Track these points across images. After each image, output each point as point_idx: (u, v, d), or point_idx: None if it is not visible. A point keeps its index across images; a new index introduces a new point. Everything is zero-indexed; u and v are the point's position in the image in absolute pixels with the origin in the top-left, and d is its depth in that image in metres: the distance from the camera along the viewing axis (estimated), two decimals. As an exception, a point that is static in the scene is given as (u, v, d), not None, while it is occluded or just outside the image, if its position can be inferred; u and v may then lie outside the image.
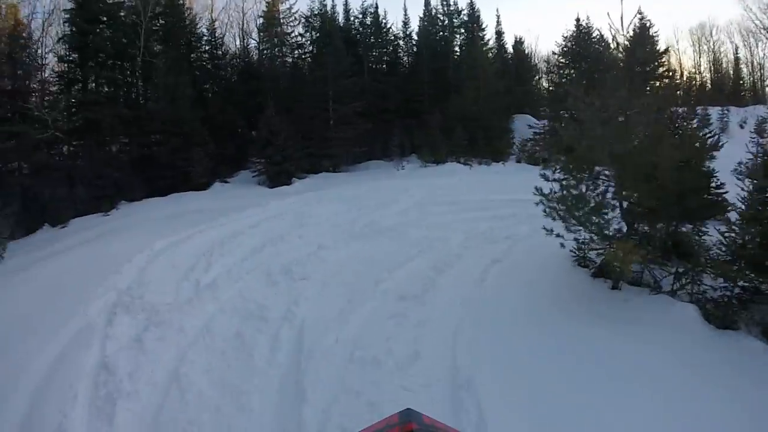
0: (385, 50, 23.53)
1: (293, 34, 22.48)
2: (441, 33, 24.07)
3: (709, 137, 7.59)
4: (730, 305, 5.55)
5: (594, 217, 6.26)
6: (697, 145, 7.03)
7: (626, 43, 8.31)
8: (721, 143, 7.30)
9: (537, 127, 21.45)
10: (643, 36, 19.90)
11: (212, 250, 8.89)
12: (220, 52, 22.06)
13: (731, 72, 33.42)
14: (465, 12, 24.00)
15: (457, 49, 24.00)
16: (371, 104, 19.76)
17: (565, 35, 22.07)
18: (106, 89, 17.17)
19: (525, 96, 24.82)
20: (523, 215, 9.39)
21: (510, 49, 26.50)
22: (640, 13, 19.64)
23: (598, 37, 21.61)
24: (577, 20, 21.81)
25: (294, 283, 7.44)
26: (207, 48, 21.59)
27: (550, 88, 24.19)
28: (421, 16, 24.28)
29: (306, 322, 6.17)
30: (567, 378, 4.65)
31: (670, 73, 20.59)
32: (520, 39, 27.99)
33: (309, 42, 22.41)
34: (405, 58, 24.24)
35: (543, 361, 4.98)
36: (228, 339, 5.85)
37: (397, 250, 8.61)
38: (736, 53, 33.14)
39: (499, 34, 25.28)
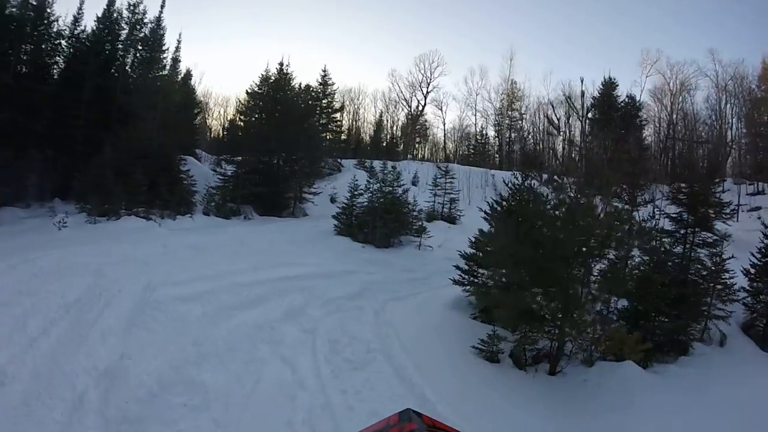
0: (43, 47, 16.19)
1: None
2: (118, 44, 18.00)
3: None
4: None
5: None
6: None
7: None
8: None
9: (218, 173, 17.88)
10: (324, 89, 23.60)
11: None
12: None
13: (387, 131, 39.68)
14: (150, 25, 18.35)
15: (129, 68, 18.39)
16: (12, 122, 12.88)
17: (264, 75, 19.72)
18: None
19: (189, 135, 21.54)
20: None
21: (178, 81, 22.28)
22: (324, 71, 22.51)
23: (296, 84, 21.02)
24: (281, 64, 19.88)
25: None
26: None
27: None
28: (99, 16, 17.66)
29: None
30: None
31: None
32: (189, 71, 24.64)
33: None
34: (66, 65, 17.05)
35: None
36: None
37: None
38: (381, 116, 39.56)
39: (175, 61, 20.40)
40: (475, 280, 8.91)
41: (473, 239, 9.01)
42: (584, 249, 6.44)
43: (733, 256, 8.61)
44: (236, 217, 16.15)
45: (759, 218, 17.52)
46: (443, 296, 9.67)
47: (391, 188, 14.90)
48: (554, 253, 6.09)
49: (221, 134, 31.45)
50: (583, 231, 6.26)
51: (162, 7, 18.18)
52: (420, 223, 15.05)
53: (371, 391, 5.39)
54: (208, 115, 34.78)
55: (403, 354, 6.59)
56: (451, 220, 20.21)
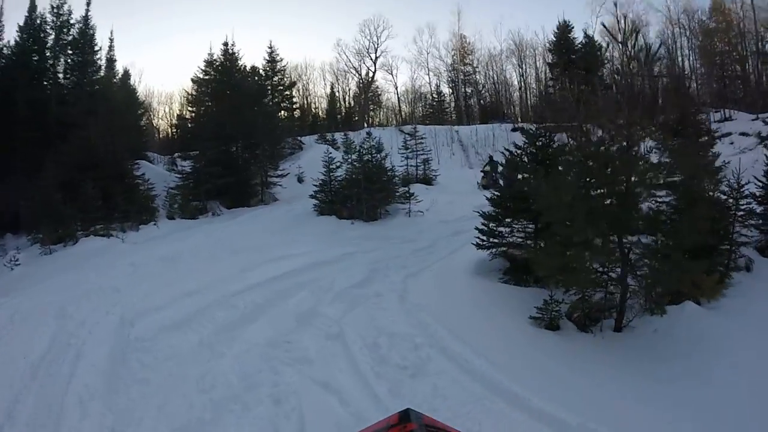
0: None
1: None
2: (45, 52, 15.91)
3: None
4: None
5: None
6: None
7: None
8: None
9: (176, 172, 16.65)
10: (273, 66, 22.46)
11: None
12: None
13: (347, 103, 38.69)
14: (78, 26, 16.20)
15: (61, 75, 16.19)
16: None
17: (209, 59, 17.80)
18: None
19: (137, 137, 19.82)
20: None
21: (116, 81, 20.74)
22: (270, 47, 21.11)
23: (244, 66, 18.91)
24: (225, 44, 17.91)
25: None
26: None
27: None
28: (22, 25, 15.58)
29: None
30: None
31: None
32: (126, 71, 22.48)
33: None
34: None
35: None
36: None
37: None
38: (332, 88, 38.08)
39: (110, 61, 18.46)
40: (502, 241, 7.94)
41: (491, 196, 7.96)
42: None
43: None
44: (203, 215, 14.40)
45: (732, 144, 17.69)
46: (459, 263, 8.69)
47: (370, 156, 13.50)
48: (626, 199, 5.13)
49: (170, 132, 29.05)
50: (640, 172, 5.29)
51: (88, 4, 15.73)
52: (407, 189, 13.85)
53: (445, 400, 4.30)
54: (154, 116, 32.07)
55: (457, 342, 5.51)
56: (428, 181, 19.21)
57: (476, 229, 8.18)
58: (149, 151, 21.88)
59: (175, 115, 31.20)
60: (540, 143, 7.62)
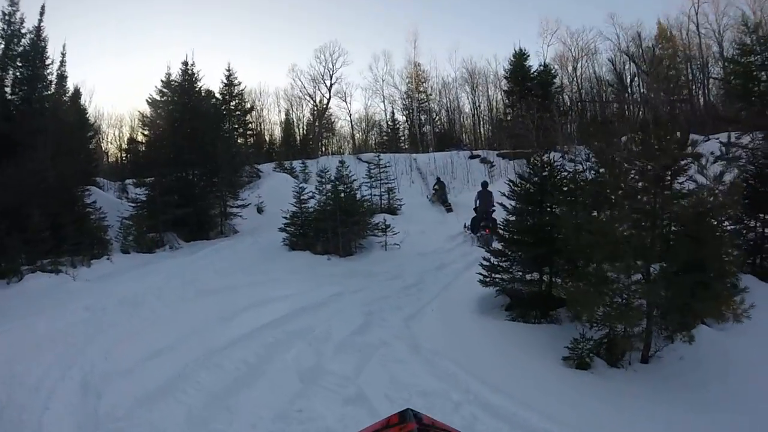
0: None
1: None
2: None
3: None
4: None
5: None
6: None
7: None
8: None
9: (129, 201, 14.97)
10: (231, 90, 21.86)
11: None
12: None
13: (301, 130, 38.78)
14: (30, 36, 14.48)
15: (8, 89, 14.34)
16: None
17: (167, 79, 16.37)
18: None
19: (87, 161, 17.97)
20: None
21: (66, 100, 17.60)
22: (228, 70, 20.95)
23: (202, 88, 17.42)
24: (185, 63, 16.40)
25: None
26: None
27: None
28: None
29: None
30: None
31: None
32: (77, 89, 20.39)
33: None
34: None
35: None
36: None
37: None
38: (287, 115, 38.45)
39: (61, 78, 15.97)
40: (504, 277, 7.54)
41: (505, 232, 7.59)
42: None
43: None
44: (160, 248, 12.94)
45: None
46: (458, 301, 8.23)
47: (344, 186, 12.84)
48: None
49: (121, 157, 26.73)
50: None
51: (41, 14, 13.69)
52: (384, 220, 13.27)
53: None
54: (103, 139, 30.12)
55: (495, 394, 4.90)
56: (392, 211, 18.78)
57: (480, 265, 7.77)
58: (98, 176, 20.12)
59: (126, 138, 29.32)
60: (545, 173, 7.40)
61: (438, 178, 21.68)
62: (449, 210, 18.94)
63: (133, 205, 13.91)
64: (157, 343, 6.14)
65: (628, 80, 30.00)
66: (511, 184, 7.73)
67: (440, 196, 19.90)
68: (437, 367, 5.65)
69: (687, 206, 5.16)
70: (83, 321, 6.96)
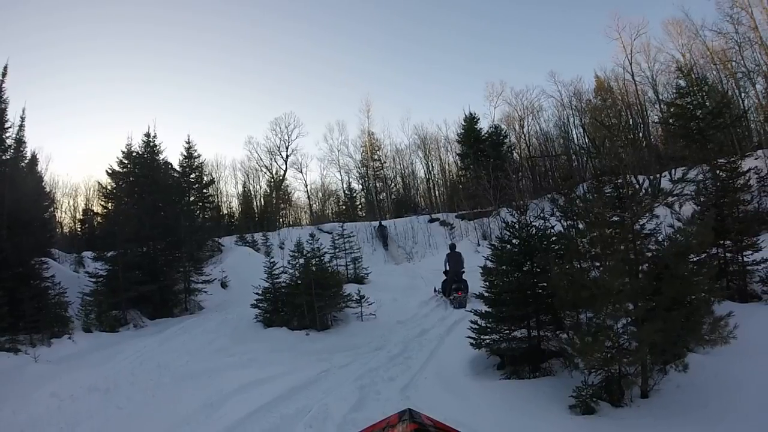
0: None
1: None
2: None
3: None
4: None
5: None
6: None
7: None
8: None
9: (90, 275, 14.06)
10: (191, 163, 21.02)
11: None
12: None
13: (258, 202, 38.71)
14: None
15: None
16: None
17: (127, 151, 15.76)
18: None
19: (43, 232, 16.74)
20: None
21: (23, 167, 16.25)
22: (188, 142, 20.70)
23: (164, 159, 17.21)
24: (147, 135, 16.29)
25: None
26: None
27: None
28: None
29: None
30: None
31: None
32: (34, 155, 19.05)
33: None
34: None
35: None
36: None
37: None
38: (245, 187, 38.62)
39: (19, 142, 14.97)
40: (494, 338, 7.76)
41: (489, 293, 7.91)
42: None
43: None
44: (124, 327, 12.08)
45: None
46: (449, 366, 8.29)
47: (318, 259, 12.84)
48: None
49: (75, 228, 24.95)
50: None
51: (4, 75, 13.09)
52: (358, 291, 13.25)
53: None
54: (57, 208, 28.52)
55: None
56: (359, 280, 18.83)
57: (469, 329, 7.96)
58: (53, 247, 18.79)
59: (81, 209, 27.69)
60: (525, 233, 7.92)
61: (380, 222, 25.99)
62: (386, 247, 23.99)
63: (92, 280, 13.04)
64: (144, 441, 5.65)
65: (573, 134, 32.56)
66: (492, 247, 8.21)
67: (381, 235, 24.68)
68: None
69: (669, 248, 5.76)
70: (52, 412, 6.30)
